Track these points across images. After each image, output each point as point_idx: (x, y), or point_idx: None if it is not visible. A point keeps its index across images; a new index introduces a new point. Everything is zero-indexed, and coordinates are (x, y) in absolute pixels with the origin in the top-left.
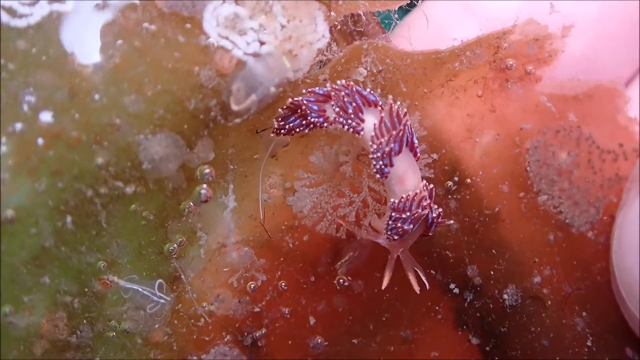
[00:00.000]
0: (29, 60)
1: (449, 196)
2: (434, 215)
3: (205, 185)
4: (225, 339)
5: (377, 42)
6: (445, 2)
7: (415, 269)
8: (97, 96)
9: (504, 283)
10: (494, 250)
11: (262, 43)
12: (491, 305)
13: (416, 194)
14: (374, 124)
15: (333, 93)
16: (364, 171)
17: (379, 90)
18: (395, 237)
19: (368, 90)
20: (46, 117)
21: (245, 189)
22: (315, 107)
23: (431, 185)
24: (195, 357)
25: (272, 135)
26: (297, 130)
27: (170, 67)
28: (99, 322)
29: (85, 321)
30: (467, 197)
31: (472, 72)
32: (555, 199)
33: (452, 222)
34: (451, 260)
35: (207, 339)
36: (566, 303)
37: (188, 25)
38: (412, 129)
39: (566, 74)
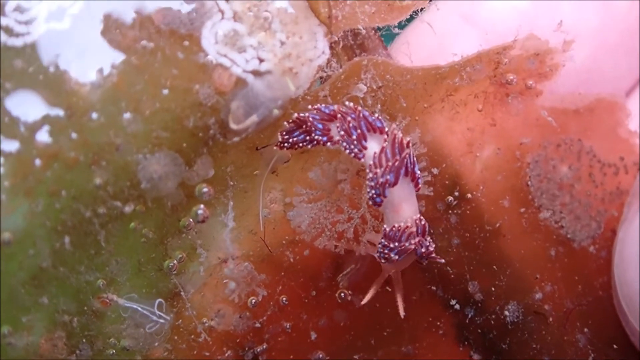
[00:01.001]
0: (25, 80)
1: (450, 211)
2: (423, 250)
3: (202, 206)
4: (226, 355)
5: (377, 58)
6: (445, 15)
7: (398, 293)
8: (94, 115)
9: (505, 299)
10: (495, 266)
11: (261, 60)
12: (492, 322)
13: (407, 227)
14: (375, 153)
15: (339, 115)
16: (363, 187)
17: (378, 105)
18: (383, 262)
19: (375, 116)
20: (43, 137)
21: (245, 204)
22: (320, 126)
23: (424, 221)
24: None
25: (275, 148)
26: (300, 145)
27: (168, 85)
28: (99, 341)
29: (84, 340)
30: (468, 212)
31: (473, 86)
32: (557, 214)
33: (443, 260)
34: (452, 276)
35: (207, 354)
36: (568, 319)
37: (186, 43)
38: (415, 159)
39: (566, 86)
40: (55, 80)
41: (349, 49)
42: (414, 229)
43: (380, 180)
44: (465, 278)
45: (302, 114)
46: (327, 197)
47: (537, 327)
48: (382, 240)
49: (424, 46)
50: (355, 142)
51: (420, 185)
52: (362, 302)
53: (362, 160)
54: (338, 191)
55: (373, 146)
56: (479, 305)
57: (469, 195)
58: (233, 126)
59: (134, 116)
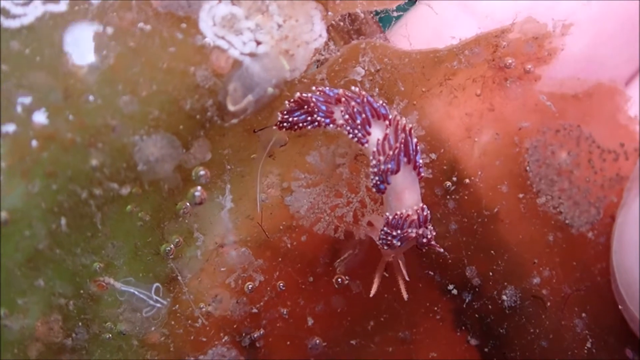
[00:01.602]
0: (22, 62)
1: (448, 196)
2: (425, 240)
3: (199, 188)
4: (223, 340)
5: (375, 41)
6: (443, 3)
7: (399, 277)
8: (91, 97)
9: (503, 284)
10: (492, 251)
11: (258, 43)
12: (490, 306)
13: (408, 215)
14: (378, 139)
15: (344, 99)
16: (361, 171)
17: (376, 89)
18: (385, 248)
19: (380, 102)
20: (40, 118)
21: (243, 189)
22: (324, 108)
23: (426, 211)
24: (192, 358)
25: (274, 127)
26: (300, 125)
27: (165, 68)
28: (95, 324)
29: (80, 323)
30: (466, 197)
31: (471, 70)
32: (555, 199)
33: (442, 250)
34: (450, 261)
35: (204, 339)
36: (566, 304)
37: (184, 25)
38: (417, 147)
39: (566, 74)
40: (52, 62)
41: (346, 33)
42: (416, 217)
43: (382, 167)
44: (463, 263)
45: (305, 94)
46: (326, 182)
47: (535, 311)
48: (385, 228)
49: (422, 32)
50: (359, 127)
51: (422, 174)
52: (372, 294)
53: (365, 146)
54: (337, 175)
55: (376, 133)
56: (477, 290)
57: (467, 181)
58: (230, 107)
59: (130, 98)
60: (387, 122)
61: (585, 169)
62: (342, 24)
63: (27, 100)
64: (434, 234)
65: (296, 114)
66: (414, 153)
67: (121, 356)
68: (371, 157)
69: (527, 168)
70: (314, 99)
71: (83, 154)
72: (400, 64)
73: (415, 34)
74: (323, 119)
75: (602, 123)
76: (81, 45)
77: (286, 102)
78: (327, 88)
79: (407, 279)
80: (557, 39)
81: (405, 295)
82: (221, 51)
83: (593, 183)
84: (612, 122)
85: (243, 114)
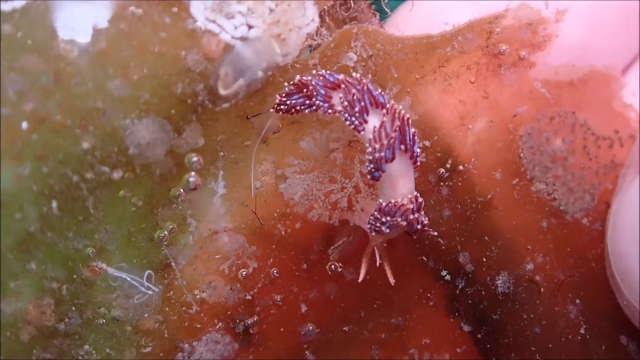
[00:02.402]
0: (13, 45)
1: (441, 183)
2: (418, 227)
3: (193, 173)
4: (217, 327)
5: (367, 27)
6: None
7: (385, 262)
8: (82, 80)
9: (496, 270)
10: (486, 237)
11: (250, 27)
12: (483, 293)
13: (403, 204)
14: (374, 127)
15: (344, 85)
16: (355, 157)
17: (369, 75)
18: (373, 234)
19: (379, 91)
20: (31, 101)
21: (237, 176)
22: (323, 92)
23: (420, 199)
24: (186, 344)
25: (271, 110)
26: (298, 108)
27: (156, 51)
28: (88, 309)
29: (73, 308)
30: (460, 184)
31: (465, 57)
32: (549, 186)
33: (435, 233)
34: (443, 247)
35: (198, 326)
36: (559, 290)
37: (175, 9)
38: (414, 136)
39: (561, 61)
40: (43, 45)
41: (339, 20)
42: (410, 206)
43: (377, 155)
44: (457, 249)
45: (304, 78)
46: (320, 168)
47: (528, 297)
48: (375, 213)
49: (416, 20)
50: (357, 114)
51: (418, 163)
52: (360, 279)
53: (362, 133)
54: (331, 161)
55: (373, 121)
56: (470, 276)
57: (461, 168)
58: (222, 92)
59: (121, 82)
60: (384, 111)
61: (580, 156)
62: (337, 10)
63: (18, 83)
64: (427, 220)
65: (294, 97)
66: (411, 142)
67: (115, 342)
68: (367, 145)
69: (521, 155)
70: (313, 82)
71: (73, 137)
72: (393, 50)
73: (409, 20)
74: (322, 103)
75: (597, 110)
76: (72, 29)
77: (285, 84)
78: (328, 73)
79: (388, 267)
80: (551, 25)
81: (392, 280)
82: (212, 35)
83: (588, 170)
84: (607, 109)
85: (234, 98)
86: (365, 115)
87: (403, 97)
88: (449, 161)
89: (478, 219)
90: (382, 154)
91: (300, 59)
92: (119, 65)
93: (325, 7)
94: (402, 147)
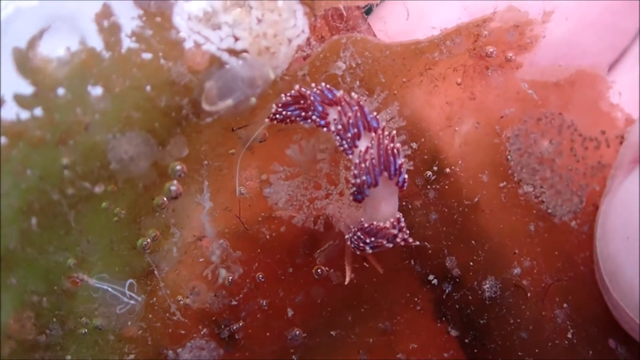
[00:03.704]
0: None
1: (428, 186)
2: (402, 242)
3: (175, 182)
4: (202, 332)
5: (355, 36)
6: None
7: (369, 258)
8: (61, 93)
9: (483, 274)
10: (473, 241)
11: (236, 38)
12: (470, 297)
13: (385, 227)
14: (360, 151)
15: (340, 108)
16: (341, 163)
17: (357, 82)
18: (356, 251)
19: (374, 114)
20: (9, 114)
21: (221, 182)
22: (320, 108)
23: (402, 223)
24: (170, 351)
25: (265, 120)
26: (292, 119)
27: (138, 63)
28: (70, 320)
29: (55, 319)
30: (447, 187)
31: (452, 60)
32: (537, 188)
33: (417, 243)
34: (430, 252)
35: (183, 332)
36: (546, 294)
37: (158, 19)
38: (402, 165)
39: (547, 60)
40: (21, 57)
41: (334, 28)
42: (393, 232)
43: (358, 181)
44: (443, 253)
45: (304, 89)
46: (305, 174)
47: (515, 302)
48: (358, 233)
49: (403, 22)
50: (349, 139)
51: (404, 188)
52: (347, 281)
53: (350, 156)
54: (316, 169)
55: (363, 145)
56: (457, 280)
57: (448, 170)
58: (205, 107)
59: (103, 94)
60: (374, 135)
61: (568, 157)
62: (329, 18)
63: None
64: (408, 235)
65: (291, 108)
66: (397, 171)
67: (97, 351)
68: (352, 167)
69: (509, 157)
70: (312, 98)
71: (53, 152)
72: (381, 57)
73: (395, 22)
74: (318, 120)
75: (584, 111)
76: (51, 40)
77: (282, 95)
78: (327, 88)
79: (349, 267)
80: (538, 26)
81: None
82: (197, 46)
83: (575, 171)
84: (593, 109)
85: (218, 114)
86: (356, 141)
87: (391, 102)
88: (436, 163)
89: (465, 222)
90: (363, 178)
91: (289, 71)
92: (100, 77)
93: (316, 16)
94: (386, 174)
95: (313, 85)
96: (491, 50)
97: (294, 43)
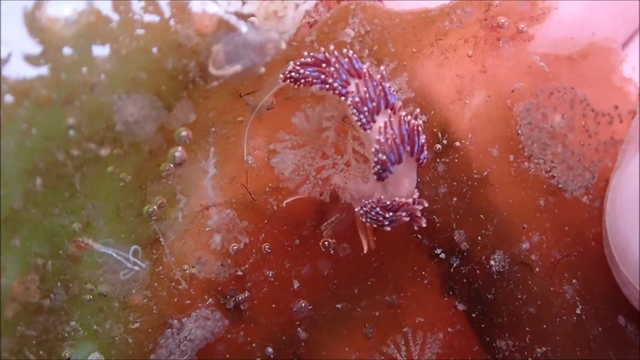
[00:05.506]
0: None
1: (437, 159)
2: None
3: (180, 148)
4: (207, 302)
5: (364, 2)
6: None
7: (368, 231)
8: (68, 52)
9: (492, 249)
10: (482, 215)
11: (244, 2)
12: (478, 271)
13: (407, 202)
14: (380, 127)
15: (359, 81)
16: (348, 133)
17: (366, 50)
18: (373, 225)
19: (393, 90)
20: (15, 73)
21: (228, 151)
22: (344, 77)
23: (420, 198)
24: (175, 320)
25: (280, 77)
26: (309, 81)
27: (146, 25)
28: (74, 285)
29: (59, 284)
30: (456, 160)
31: (463, 30)
32: (548, 163)
33: (425, 225)
34: (438, 225)
35: (188, 302)
36: (555, 270)
37: None
38: (424, 141)
39: (560, 36)
40: (28, 16)
41: None
42: (417, 207)
43: (383, 157)
44: (452, 227)
45: (327, 54)
46: (312, 143)
47: (523, 277)
48: (377, 209)
49: None
50: (367, 113)
51: (423, 164)
52: (365, 250)
53: (368, 131)
54: (323, 138)
55: (381, 120)
56: (465, 254)
57: (458, 144)
58: (212, 71)
59: (109, 55)
60: (389, 112)
61: (580, 133)
62: None
63: (2, 54)
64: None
65: (310, 69)
66: (420, 149)
67: (102, 318)
68: (374, 144)
69: (519, 131)
70: (336, 65)
71: (59, 112)
72: (391, 25)
73: None
74: (338, 87)
75: (597, 85)
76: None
77: (305, 53)
78: (355, 57)
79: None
80: None
81: (365, 248)
82: (205, 9)
83: (587, 147)
84: (606, 83)
85: (224, 77)
86: (375, 115)
87: (400, 72)
88: (446, 136)
89: (474, 196)
90: (390, 155)
91: (297, 37)
92: (107, 38)
93: None
94: (409, 148)
95: (345, 50)
96: (502, 20)
97: (301, 8)
